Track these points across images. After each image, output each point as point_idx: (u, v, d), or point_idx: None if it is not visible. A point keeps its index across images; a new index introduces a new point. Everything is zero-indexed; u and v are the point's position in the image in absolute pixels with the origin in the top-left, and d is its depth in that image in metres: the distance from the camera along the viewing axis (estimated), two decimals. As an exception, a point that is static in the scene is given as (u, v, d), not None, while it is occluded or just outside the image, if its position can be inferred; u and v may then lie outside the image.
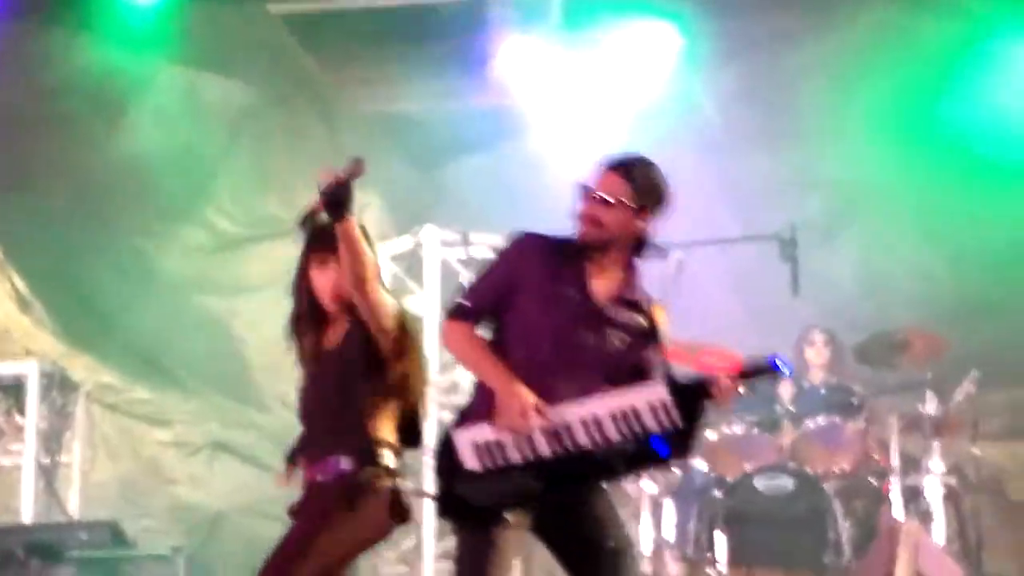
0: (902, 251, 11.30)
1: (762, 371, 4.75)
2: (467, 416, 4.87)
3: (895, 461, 8.54)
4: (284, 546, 4.99)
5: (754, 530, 8.34)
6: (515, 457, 4.67)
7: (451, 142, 11.99)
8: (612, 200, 4.73)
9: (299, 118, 12.20)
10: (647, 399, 4.64)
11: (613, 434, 4.62)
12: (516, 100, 11.70)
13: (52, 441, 9.70)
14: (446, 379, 9.91)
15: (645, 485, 8.57)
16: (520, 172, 11.44)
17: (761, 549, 8.23)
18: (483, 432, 4.74)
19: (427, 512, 9.13)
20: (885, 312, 10.46)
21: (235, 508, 10.82)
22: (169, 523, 10.93)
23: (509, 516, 4.64)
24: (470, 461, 4.69)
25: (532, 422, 4.66)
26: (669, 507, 8.75)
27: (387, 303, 5.07)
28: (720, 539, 8.31)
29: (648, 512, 8.58)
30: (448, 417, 9.90)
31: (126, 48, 11.53)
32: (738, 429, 8.84)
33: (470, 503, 4.71)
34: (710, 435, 8.85)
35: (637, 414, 4.63)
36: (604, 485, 4.76)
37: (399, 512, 5.07)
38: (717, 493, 8.52)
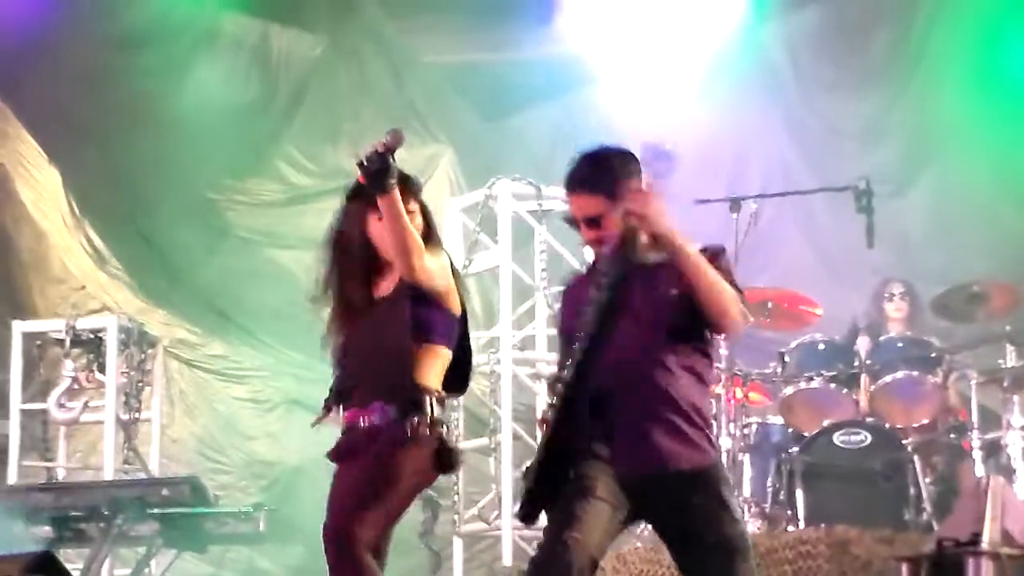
0: (976, 201, 11.19)
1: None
2: None
3: (975, 416, 8.47)
4: (343, 498, 5.02)
5: (832, 486, 8.30)
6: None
7: (519, 92, 11.96)
8: (596, 216, 4.72)
9: (367, 70, 12.20)
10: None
11: None
12: (584, 49, 11.66)
13: (131, 397, 9.74)
14: (520, 335, 9.91)
15: (722, 441, 8.55)
16: (590, 122, 11.40)
17: (840, 505, 8.18)
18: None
19: (504, 468, 9.16)
20: (959, 263, 10.37)
21: (312, 463, 10.87)
22: (246, 479, 11.03)
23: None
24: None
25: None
26: (746, 463, 8.73)
27: (433, 271, 5.07)
28: (798, 495, 8.30)
29: (726, 468, 8.55)
30: (523, 371, 10.03)
31: (195, 0, 11.57)
32: (815, 384, 8.78)
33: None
34: (786, 390, 8.83)
35: None
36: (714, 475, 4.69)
37: (444, 461, 5.10)
38: (794, 449, 8.49)
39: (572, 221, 4.81)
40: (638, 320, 4.66)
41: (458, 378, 5.26)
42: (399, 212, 4.94)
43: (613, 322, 4.65)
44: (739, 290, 4.68)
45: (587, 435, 4.64)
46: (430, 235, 5.24)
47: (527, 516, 4.74)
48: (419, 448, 5.02)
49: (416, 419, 5.00)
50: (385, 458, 5.00)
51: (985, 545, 5.76)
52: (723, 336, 5.02)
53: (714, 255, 4.66)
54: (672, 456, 4.60)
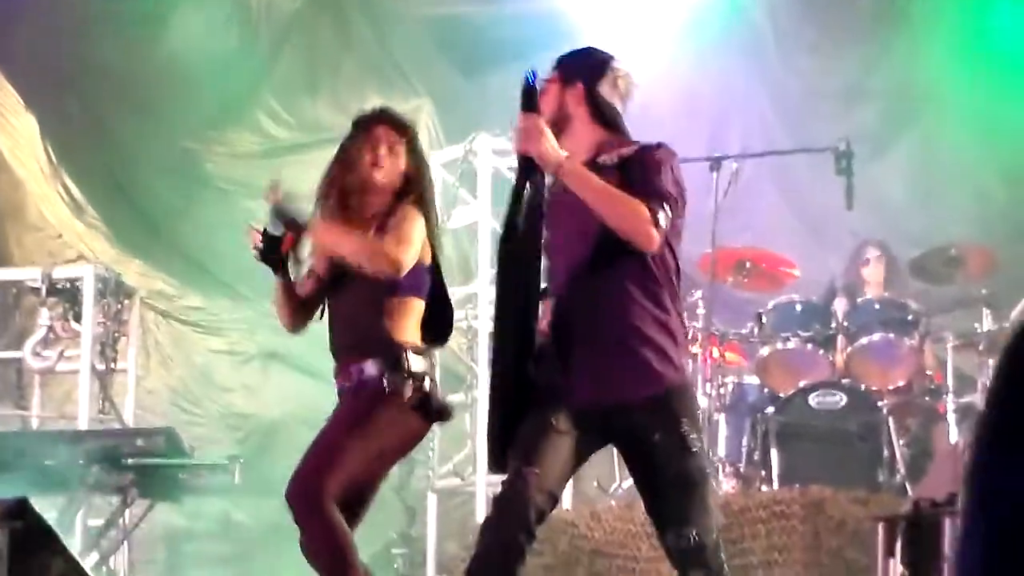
0: (958, 164, 11.20)
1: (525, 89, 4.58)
2: None
3: (950, 379, 8.51)
4: (311, 455, 5.02)
5: (807, 446, 8.33)
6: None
7: (500, 47, 11.90)
8: (544, 87, 4.70)
9: (347, 22, 12.13)
10: None
11: None
12: (566, 4, 11.62)
13: (107, 347, 9.71)
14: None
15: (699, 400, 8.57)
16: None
17: (814, 465, 8.21)
18: None
19: (480, 424, 9.18)
20: (938, 227, 10.39)
21: (288, 417, 10.87)
22: (222, 431, 11.01)
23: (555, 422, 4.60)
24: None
25: None
26: (721, 423, 8.76)
27: (406, 254, 5.07)
28: (773, 455, 8.32)
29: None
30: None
31: (173, -51, 11.51)
32: (792, 345, 8.80)
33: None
34: (763, 351, 8.85)
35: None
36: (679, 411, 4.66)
37: (430, 413, 5.10)
38: (770, 409, 8.51)
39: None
40: (570, 239, 4.65)
41: (438, 327, 5.25)
42: (329, 241, 5.11)
43: (549, 246, 4.65)
44: (662, 194, 4.54)
45: (545, 366, 4.62)
46: (414, 181, 5.25)
47: (497, 465, 4.74)
48: (398, 404, 5.02)
49: (392, 375, 5.01)
50: (360, 413, 5.03)
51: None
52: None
53: (643, 153, 4.61)
54: (625, 384, 4.58)
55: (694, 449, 4.59)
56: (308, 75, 11.97)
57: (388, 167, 5.22)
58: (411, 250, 5.07)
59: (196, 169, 11.72)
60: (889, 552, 4.67)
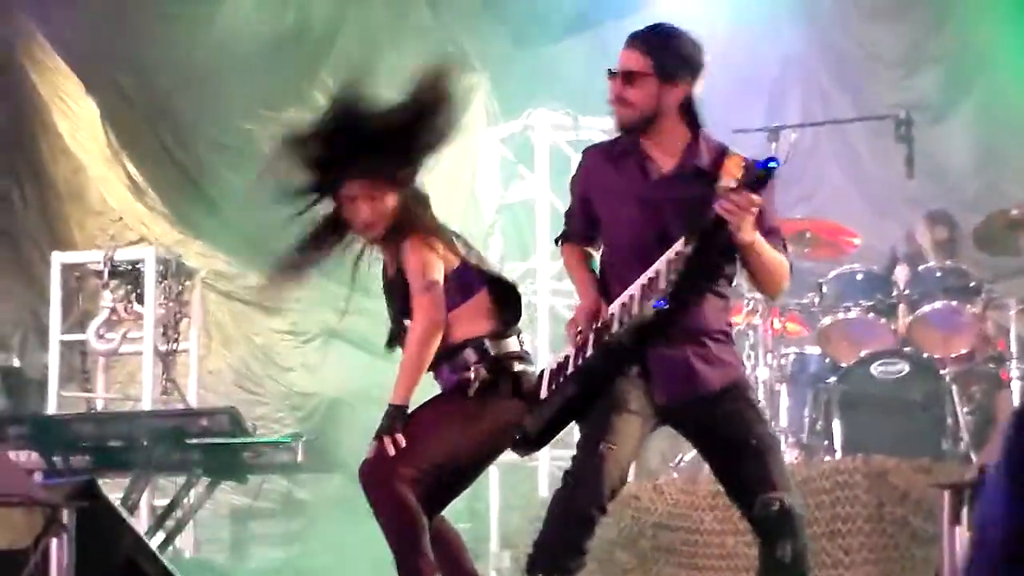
0: (1018, 129, 11.08)
1: (758, 175, 4.50)
2: None
3: (1013, 345, 8.43)
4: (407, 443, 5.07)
5: (870, 416, 8.30)
6: (570, 371, 4.70)
7: (557, 20, 11.88)
8: (633, 75, 4.64)
9: (403, -1, 12.15)
10: (666, 257, 4.58)
11: (636, 309, 4.59)
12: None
13: (169, 328, 9.77)
14: (557, 265, 9.91)
15: (759, 372, 8.54)
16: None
17: (877, 435, 8.17)
18: (555, 358, 4.84)
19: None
20: (999, 193, 10.30)
21: (349, 395, 10.91)
22: (283, 410, 11.06)
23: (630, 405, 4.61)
24: (543, 391, 4.75)
25: (572, 336, 4.74)
26: (783, 393, 8.73)
27: (436, 300, 5.07)
28: (835, 425, 8.29)
29: (763, 398, 8.54)
30: (560, 303, 10.03)
31: (228, -72, 11.54)
32: (853, 314, 8.76)
33: (529, 431, 4.74)
34: (824, 320, 8.81)
35: (656, 277, 4.58)
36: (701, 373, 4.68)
37: (521, 393, 5.12)
38: (832, 379, 8.48)
39: (609, 72, 4.72)
40: (650, 242, 4.66)
41: (508, 310, 5.27)
42: (408, 382, 5.04)
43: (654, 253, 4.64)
44: (780, 232, 4.68)
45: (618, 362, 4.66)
46: (403, 209, 5.21)
47: (530, 443, 4.79)
48: (476, 397, 5.11)
49: (463, 372, 5.12)
50: (441, 408, 5.15)
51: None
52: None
53: (760, 184, 4.50)
54: (707, 379, 4.66)
55: (763, 415, 4.77)
56: (364, 53, 11.96)
57: (375, 213, 5.19)
58: (434, 287, 5.09)
59: (255, 149, 11.75)
60: (955, 520, 4.64)
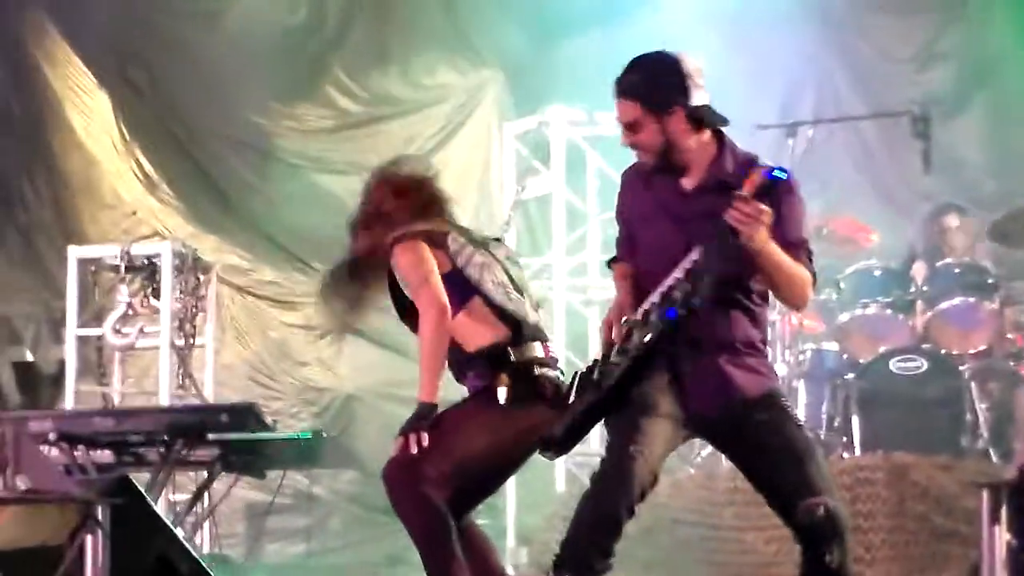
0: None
1: (763, 184, 4.49)
2: None
3: (1031, 342, 8.46)
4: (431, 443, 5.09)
5: (888, 412, 8.32)
6: (595, 376, 4.70)
7: (571, 16, 11.85)
8: (633, 123, 4.67)
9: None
10: (683, 266, 4.59)
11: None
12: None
13: (185, 323, 9.77)
14: (572, 261, 9.93)
15: (777, 367, 8.54)
16: (641, 47, 11.27)
17: (896, 432, 8.19)
18: (586, 363, 4.84)
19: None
20: (1015, 189, 10.27)
21: (364, 390, 10.92)
22: (298, 405, 11.06)
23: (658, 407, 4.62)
24: (572, 396, 4.74)
25: (605, 339, 4.74)
26: (801, 389, 8.74)
27: (434, 296, 5.13)
28: (854, 421, 8.30)
29: (781, 394, 8.54)
30: (576, 299, 10.03)
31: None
32: (871, 310, 8.76)
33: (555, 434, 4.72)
34: (842, 317, 8.81)
35: (671, 289, 4.59)
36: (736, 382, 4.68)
37: (545, 397, 5.15)
38: (850, 375, 8.49)
39: (618, 123, 4.74)
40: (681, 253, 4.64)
41: (506, 319, 5.28)
42: (429, 378, 5.09)
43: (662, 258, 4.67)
44: (808, 247, 4.67)
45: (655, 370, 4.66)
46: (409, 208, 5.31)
47: (555, 446, 4.77)
48: (499, 404, 5.14)
49: (491, 381, 5.16)
50: (466, 412, 5.19)
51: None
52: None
53: (787, 191, 4.55)
54: (744, 386, 4.65)
55: (799, 421, 4.74)
56: (377, 49, 11.96)
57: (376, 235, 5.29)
58: (429, 276, 5.16)
59: (267, 144, 11.76)
60: (994, 520, 4.63)
